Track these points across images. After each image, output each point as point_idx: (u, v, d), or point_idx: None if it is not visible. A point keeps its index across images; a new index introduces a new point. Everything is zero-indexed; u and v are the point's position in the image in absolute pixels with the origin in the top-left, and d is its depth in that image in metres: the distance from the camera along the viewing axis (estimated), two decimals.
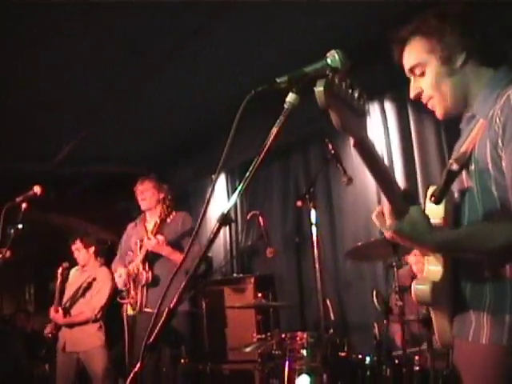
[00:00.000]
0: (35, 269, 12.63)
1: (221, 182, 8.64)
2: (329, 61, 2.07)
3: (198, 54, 5.83)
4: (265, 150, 2.01)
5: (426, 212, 2.19)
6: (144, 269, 5.85)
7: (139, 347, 5.65)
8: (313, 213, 4.90)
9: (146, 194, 6.24)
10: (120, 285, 6.09)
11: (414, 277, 3.78)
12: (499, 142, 2.12)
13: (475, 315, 2.18)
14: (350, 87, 1.82)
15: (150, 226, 6.10)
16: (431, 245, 2.16)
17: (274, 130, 2.03)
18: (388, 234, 2.16)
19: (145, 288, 5.85)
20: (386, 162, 6.11)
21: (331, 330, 4.98)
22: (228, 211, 1.99)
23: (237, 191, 2.01)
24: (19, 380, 8.04)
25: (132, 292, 5.95)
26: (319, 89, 1.73)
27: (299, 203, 5.08)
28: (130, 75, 6.20)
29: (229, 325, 6.83)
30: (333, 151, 5.01)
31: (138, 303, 5.86)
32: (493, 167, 2.15)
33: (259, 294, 5.82)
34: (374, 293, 4.60)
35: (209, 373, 6.10)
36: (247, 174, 2.01)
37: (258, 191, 7.96)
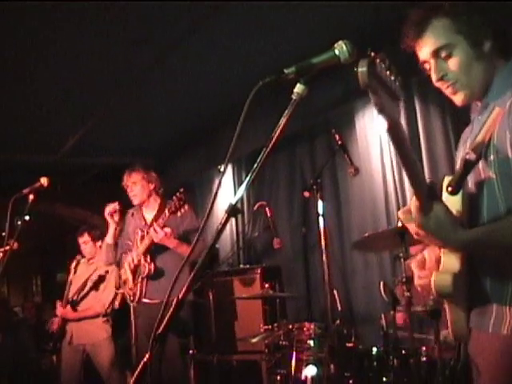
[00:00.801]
0: (42, 260, 12.67)
1: (227, 172, 8.64)
2: (336, 51, 2.07)
3: (204, 44, 5.82)
4: (272, 141, 2.01)
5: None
6: (146, 261, 5.75)
7: (144, 335, 5.59)
8: (320, 203, 4.90)
9: (136, 188, 6.01)
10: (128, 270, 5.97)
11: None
12: None
13: (496, 307, 2.16)
14: (389, 69, 1.78)
15: (149, 216, 6.01)
16: (457, 244, 2.13)
17: (282, 121, 2.02)
18: (413, 231, 2.15)
19: (145, 280, 5.76)
20: (391, 154, 6.11)
21: (338, 321, 4.98)
22: (236, 202, 2.00)
23: (245, 183, 2.01)
24: (27, 372, 8.07)
25: (131, 283, 5.85)
26: (362, 69, 1.67)
27: (306, 194, 5.08)
28: (136, 66, 6.19)
29: (236, 316, 6.84)
30: (339, 142, 5.01)
31: (138, 294, 5.76)
32: None
33: (266, 285, 5.82)
34: (381, 284, 4.60)
35: (216, 363, 6.12)
36: (255, 165, 2.01)
37: (264, 182, 7.96)
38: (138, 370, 1.91)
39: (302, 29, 5.61)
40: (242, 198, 2.07)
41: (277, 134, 2.02)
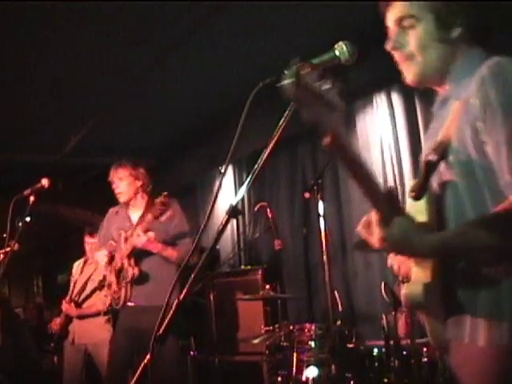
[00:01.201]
0: (43, 261, 12.67)
1: (228, 173, 8.63)
2: (337, 52, 2.07)
3: (205, 44, 5.82)
4: (273, 142, 2.00)
5: (407, 209, 2.07)
6: (130, 264, 5.46)
7: (122, 341, 5.33)
8: (320, 204, 4.90)
9: (122, 184, 5.65)
10: (102, 262, 5.77)
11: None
12: (479, 124, 1.98)
13: (470, 316, 2.04)
14: (322, 77, 1.64)
15: (135, 216, 5.71)
16: (424, 250, 1.99)
17: (282, 122, 2.02)
18: (378, 244, 2.01)
19: (129, 284, 5.47)
20: (392, 154, 6.10)
21: (339, 322, 4.99)
22: (237, 203, 1.99)
23: (245, 184, 2.01)
24: (28, 372, 8.07)
25: (115, 287, 5.59)
26: (289, 81, 1.56)
27: (307, 195, 5.08)
28: (137, 66, 6.19)
29: (237, 317, 6.84)
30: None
31: (122, 298, 5.49)
32: (476, 153, 2.00)
33: (267, 286, 5.82)
34: (382, 284, 4.60)
35: (217, 364, 6.12)
36: (255, 166, 2.01)
37: (265, 183, 7.96)
38: (139, 371, 1.91)
39: (302, 29, 5.60)
40: (242, 199, 2.07)
41: (277, 134, 2.02)
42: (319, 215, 4.91)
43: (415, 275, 2.11)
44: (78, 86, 6.60)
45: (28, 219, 4.99)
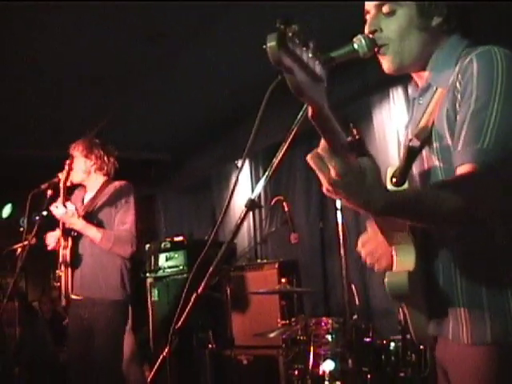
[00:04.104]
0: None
1: (244, 167, 8.63)
2: (355, 45, 2.06)
3: (222, 36, 5.81)
4: (290, 136, 2.00)
5: None
6: (64, 245, 5.03)
7: (74, 341, 5.12)
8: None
9: (75, 162, 5.22)
10: (49, 246, 5.23)
11: None
12: (457, 108, 1.94)
13: (451, 310, 1.99)
14: (305, 45, 1.48)
15: (88, 197, 5.32)
16: (379, 204, 1.67)
17: (300, 117, 2.01)
18: (327, 181, 1.63)
19: (69, 269, 5.03)
20: None
21: (356, 316, 4.98)
22: (255, 197, 1.99)
23: (263, 178, 2.01)
24: (46, 366, 8.12)
25: (60, 273, 5.09)
26: (271, 44, 1.41)
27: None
28: (152, 61, 6.20)
29: (253, 310, 6.84)
30: (357, 136, 4.99)
31: (63, 287, 5.03)
32: (452, 140, 1.95)
33: (283, 280, 5.81)
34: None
35: (233, 358, 6.13)
36: (273, 160, 2.01)
37: (281, 176, 7.95)
38: (157, 363, 1.92)
39: (318, 23, 5.57)
40: (259, 193, 2.06)
41: (295, 129, 2.02)
42: (336, 209, 4.90)
43: (397, 263, 1.99)
44: (93, 83, 6.62)
45: (45, 213, 5.01)
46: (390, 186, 2.01)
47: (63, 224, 5.04)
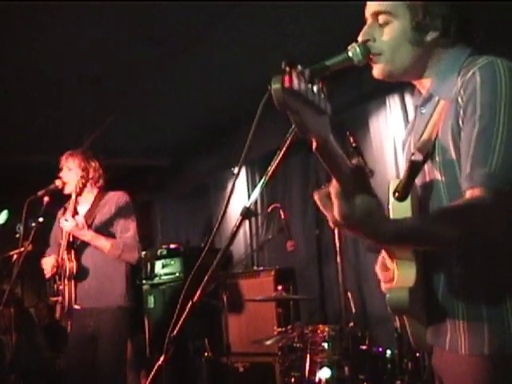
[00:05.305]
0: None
1: (241, 174, 8.63)
2: (350, 53, 2.06)
3: (219, 43, 5.81)
4: (287, 144, 2.00)
5: (391, 210, 2.03)
6: (69, 258, 5.02)
7: (76, 350, 5.14)
8: None
9: (70, 174, 5.18)
10: (47, 273, 5.19)
11: None
12: (460, 123, 1.94)
13: (450, 322, 1.99)
14: (310, 81, 1.51)
15: (82, 210, 5.25)
16: (388, 236, 1.75)
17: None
18: (332, 219, 1.71)
19: (72, 282, 5.05)
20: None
21: (352, 323, 4.98)
22: (250, 205, 1.99)
23: (259, 186, 2.01)
24: (41, 373, 8.10)
25: (60, 287, 5.10)
26: (276, 86, 1.44)
27: None
28: (151, 66, 6.20)
29: (249, 318, 6.84)
30: (354, 144, 5.00)
31: (67, 299, 5.06)
32: (456, 154, 1.96)
33: (280, 287, 5.82)
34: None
35: (230, 365, 6.12)
36: (269, 168, 2.01)
37: (278, 184, 7.95)
38: (153, 372, 1.92)
39: (315, 32, 5.59)
40: (255, 201, 2.07)
41: (291, 136, 2.02)
42: None
43: (398, 278, 2.00)
44: (91, 87, 6.62)
45: (41, 220, 5.01)
46: (392, 200, 2.03)
47: (68, 236, 5.06)
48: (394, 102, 6.22)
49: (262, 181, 2.01)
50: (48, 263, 5.16)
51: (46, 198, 5.05)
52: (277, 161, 2.00)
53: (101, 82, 6.52)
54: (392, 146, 6.26)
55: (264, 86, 2.01)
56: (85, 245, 5.10)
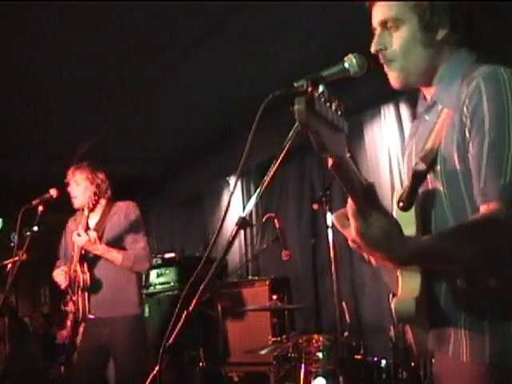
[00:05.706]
0: (51, 271, 12.66)
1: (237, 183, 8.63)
2: (346, 64, 2.07)
3: (214, 54, 5.82)
4: (282, 153, 2.01)
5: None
6: (82, 271, 5.10)
7: (85, 359, 5.17)
8: (329, 215, 4.90)
9: (78, 188, 5.27)
10: (62, 284, 5.27)
11: None
12: (467, 134, 1.93)
13: (453, 330, 2.00)
14: (329, 101, 1.56)
15: (92, 222, 5.31)
16: (404, 255, 1.77)
17: (291, 134, 2.01)
18: (350, 238, 1.79)
19: (86, 293, 5.11)
20: (400, 165, 6.09)
21: (347, 333, 4.98)
22: (246, 215, 1.99)
23: (255, 196, 2.01)
24: (35, 381, 8.07)
25: (74, 297, 5.17)
26: (300, 106, 1.47)
27: (315, 206, 5.09)
28: (146, 75, 6.21)
29: (244, 327, 6.83)
30: (349, 153, 5.01)
31: (81, 310, 5.11)
32: (461, 165, 1.96)
33: (274, 297, 5.82)
34: (390, 295, 4.58)
35: (224, 375, 6.11)
36: (265, 178, 2.01)
37: (273, 193, 7.95)
38: (148, 382, 1.91)
39: (314, 40, 5.60)
40: (251, 211, 2.07)
41: (286, 146, 2.02)
42: (327, 226, 4.91)
43: (403, 288, 2.03)
44: (86, 96, 6.62)
45: (36, 229, 5.01)
46: (396, 210, 2.05)
47: (81, 249, 5.12)
48: (388, 111, 6.23)
49: (258, 191, 2.01)
50: (60, 275, 5.28)
51: (40, 207, 5.03)
52: (272, 170, 2.00)
53: (96, 92, 6.52)
54: (387, 155, 6.27)
55: (258, 97, 2.02)
56: (97, 257, 5.18)
